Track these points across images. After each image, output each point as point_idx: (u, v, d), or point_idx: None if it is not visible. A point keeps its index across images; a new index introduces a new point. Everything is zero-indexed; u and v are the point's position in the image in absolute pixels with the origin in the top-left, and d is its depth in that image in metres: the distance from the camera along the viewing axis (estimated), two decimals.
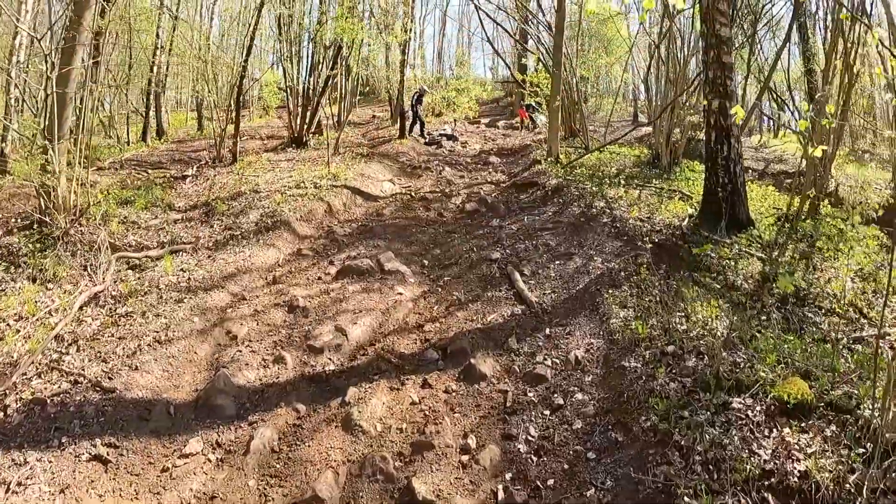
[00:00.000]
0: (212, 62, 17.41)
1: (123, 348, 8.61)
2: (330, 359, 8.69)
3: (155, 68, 20.27)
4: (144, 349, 8.62)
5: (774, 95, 21.06)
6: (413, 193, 15.14)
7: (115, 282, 10.60)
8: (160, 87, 21.18)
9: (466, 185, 15.90)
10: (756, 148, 20.44)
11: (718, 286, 9.87)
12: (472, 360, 8.32)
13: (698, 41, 16.24)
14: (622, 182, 14.76)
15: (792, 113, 22.54)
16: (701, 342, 7.72)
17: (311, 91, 19.09)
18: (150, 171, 16.80)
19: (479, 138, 21.10)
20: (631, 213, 12.93)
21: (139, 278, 10.77)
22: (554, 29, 17.15)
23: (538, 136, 20.74)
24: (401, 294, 10.44)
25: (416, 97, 20.39)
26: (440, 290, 10.75)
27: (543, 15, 19.35)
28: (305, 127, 18.06)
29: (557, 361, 8.46)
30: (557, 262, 11.37)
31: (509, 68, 21.96)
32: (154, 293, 10.14)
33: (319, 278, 11.13)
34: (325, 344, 8.86)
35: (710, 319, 8.47)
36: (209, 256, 11.55)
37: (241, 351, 8.83)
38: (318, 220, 13.38)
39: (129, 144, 19.80)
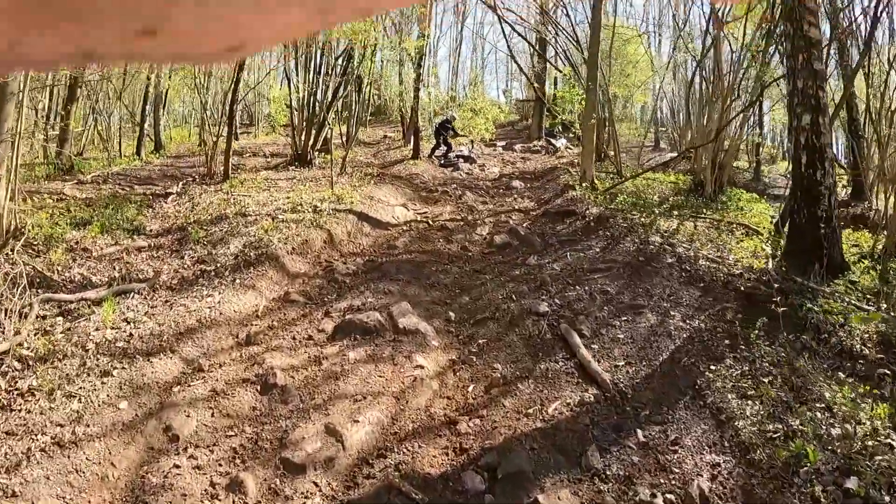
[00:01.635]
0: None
1: (5, 454, 4.99)
2: (315, 484, 5.02)
3: (152, 77, 16.40)
4: (36, 456, 5.07)
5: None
6: (430, 221, 11.30)
7: (32, 334, 6.81)
8: (159, 98, 17.34)
9: (491, 212, 12.07)
10: (786, 176, 16.78)
11: (837, 356, 6.78)
12: (540, 498, 4.77)
13: (741, 58, 12.54)
14: (670, 212, 10.97)
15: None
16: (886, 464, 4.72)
17: (317, 105, 15.27)
18: (135, 187, 12.94)
19: (497, 161, 17.37)
20: (699, 251, 9.18)
21: (67, 331, 6.99)
22: (588, 40, 13.37)
23: (560, 159, 16.95)
24: (421, 367, 6.63)
25: (442, 123, 16.47)
26: (474, 358, 6.96)
27: (573, 27, 15.76)
28: (311, 144, 14.23)
29: (673, 499, 4.73)
30: (624, 318, 7.61)
31: (533, 85, 18.32)
32: (77, 357, 6.39)
33: (310, 338, 7.29)
34: (310, 457, 5.24)
35: (875, 420, 5.23)
36: (167, 301, 7.69)
37: (179, 466, 5.17)
38: (315, 253, 9.49)
39: (121, 157, 15.89)
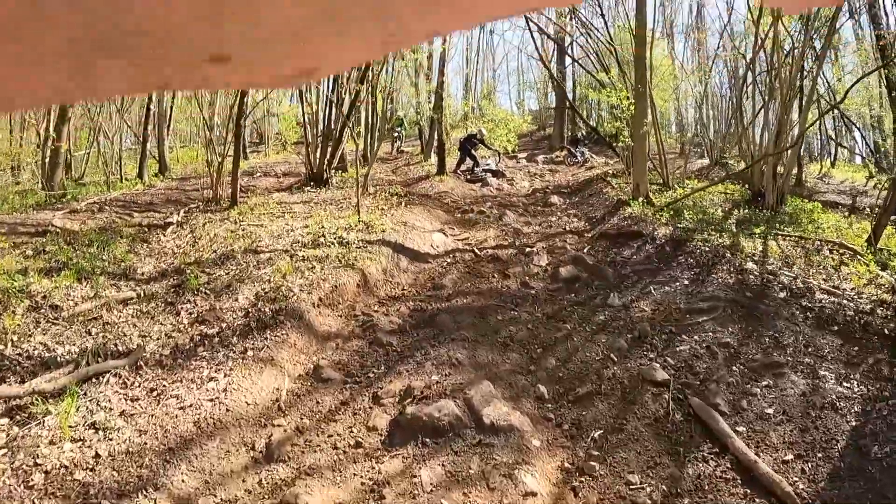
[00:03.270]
0: None
1: None
2: None
3: (154, 94, 13.57)
4: None
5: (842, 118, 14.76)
6: (476, 249, 8.49)
7: None
8: (162, 116, 14.45)
9: (541, 235, 9.29)
10: (820, 178, 14.13)
11: None
12: None
13: (801, 52, 9.90)
14: (742, 229, 8.30)
15: (863, 138, 16.27)
16: None
17: (332, 119, 12.51)
18: (133, 215, 10.15)
19: (523, 174, 14.62)
20: (808, 280, 6.61)
21: (8, 446, 4.31)
22: (635, 37, 10.64)
23: (590, 170, 14.22)
24: (533, 496, 3.93)
25: (468, 138, 13.68)
26: (596, 465, 4.46)
27: (606, 27, 13.06)
28: (327, 161, 11.42)
29: None
30: (765, 384, 5.13)
31: (557, 88, 15.56)
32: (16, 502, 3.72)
33: (358, 445, 4.67)
34: None
35: None
36: (153, 389, 5.02)
37: None
38: (349, 303, 6.73)
39: (122, 181, 13.02)
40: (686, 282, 6.89)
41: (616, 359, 5.50)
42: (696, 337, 5.73)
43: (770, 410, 4.71)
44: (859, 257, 7.27)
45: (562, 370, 5.46)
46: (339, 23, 0.36)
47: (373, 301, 6.85)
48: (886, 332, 5.59)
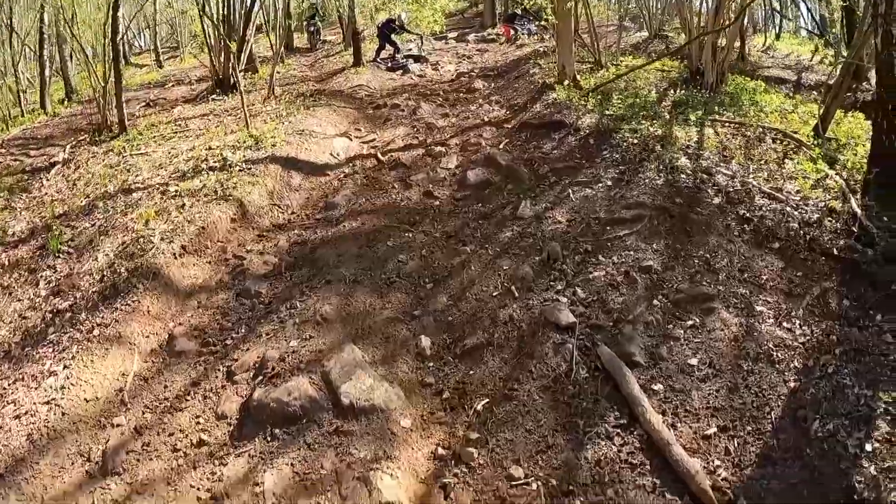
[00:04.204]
0: None
1: None
2: None
3: (47, 6, 11.15)
4: None
5: None
6: (380, 154, 6.93)
7: None
8: (61, 37, 12.07)
9: (456, 129, 7.66)
10: (764, 51, 12.25)
11: None
12: None
13: None
14: (677, 114, 6.70)
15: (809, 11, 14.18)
16: None
17: (235, 14, 10.44)
18: (30, 153, 8.42)
19: (451, 56, 12.53)
20: (748, 181, 5.23)
21: None
22: None
23: (520, 48, 12.23)
24: (387, 502, 2.76)
25: (386, 23, 11.44)
26: (475, 452, 3.25)
27: None
28: (232, 65, 9.47)
29: None
30: (689, 325, 3.85)
31: None
32: None
33: (201, 443, 3.51)
34: None
35: None
36: None
37: None
38: (220, 244, 5.32)
39: (23, 116, 10.97)
40: (609, 183, 5.46)
41: (517, 293, 4.22)
42: (614, 258, 4.42)
43: (694, 361, 3.52)
44: (805, 149, 5.85)
45: (452, 312, 4.19)
46: None
47: (251, 236, 5.44)
48: (836, 251, 4.27)
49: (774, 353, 3.50)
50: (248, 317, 4.41)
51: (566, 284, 4.23)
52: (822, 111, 6.18)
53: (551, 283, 4.28)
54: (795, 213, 4.69)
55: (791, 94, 8.87)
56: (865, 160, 4.96)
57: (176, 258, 4.93)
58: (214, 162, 6.42)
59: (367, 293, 4.38)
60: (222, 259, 5.10)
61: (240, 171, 6.20)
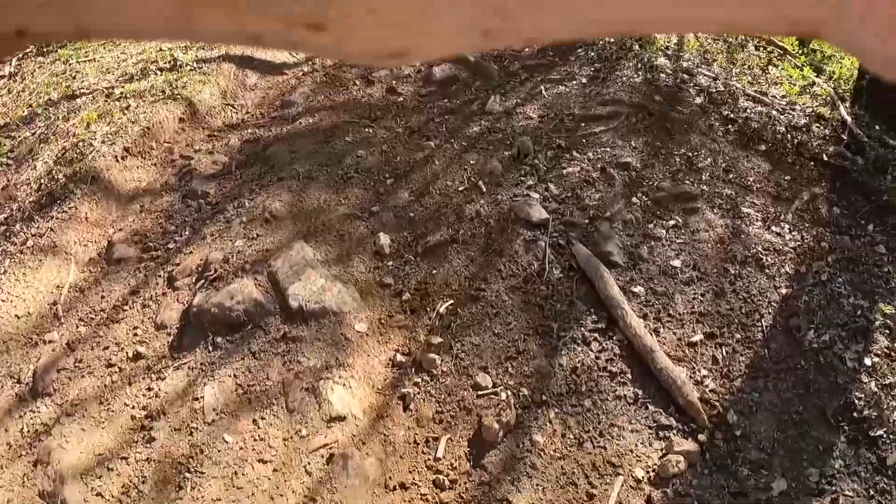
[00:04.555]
0: None
1: None
2: None
3: None
4: None
5: None
6: None
7: None
8: None
9: None
10: None
11: None
12: None
13: None
14: None
15: None
16: None
17: None
18: None
19: None
20: (731, 83, 4.55)
21: None
22: None
23: None
24: (340, 421, 2.42)
25: None
26: (437, 359, 2.71)
27: None
28: None
29: None
30: (671, 224, 3.29)
31: None
32: None
33: (137, 356, 2.97)
34: None
35: None
36: None
37: None
38: (166, 146, 4.62)
39: None
40: (584, 80, 4.75)
41: (485, 188, 3.63)
42: (589, 154, 3.83)
43: (677, 262, 3.00)
44: (790, 58, 5.14)
45: (414, 208, 3.60)
46: (435, 6, 0.30)
47: (200, 136, 4.72)
48: (825, 157, 3.73)
49: (764, 258, 3.01)
50: (193, 219, 3.79)
51: (538, 180, 3.65)
52: None
53: (522, 178, 3.68)
54: (782, 117, 4.10)
55: None
56: (854, 71, 4.35)
57: (118, 161, 4.24)
58: (164, 63, 5.56)
59: (321, 189, 3.76)
60: (168, 160, 4.40)
61: (191, 70, 5.36)
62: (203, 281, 3.18)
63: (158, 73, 5.37)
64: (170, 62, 5.55)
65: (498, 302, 2.88)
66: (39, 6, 0.31)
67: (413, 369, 2.72)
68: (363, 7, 0.30)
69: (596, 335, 2.68)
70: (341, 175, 3.90)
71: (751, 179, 3.58)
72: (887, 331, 2.58)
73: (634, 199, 3.41)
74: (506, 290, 2.93)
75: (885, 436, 2.26)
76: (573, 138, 4.01)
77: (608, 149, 3.83)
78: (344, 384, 2.63)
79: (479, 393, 2.54)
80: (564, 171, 3.65)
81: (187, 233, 3.65)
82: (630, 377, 2.50)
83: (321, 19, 0.30)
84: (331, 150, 4.19)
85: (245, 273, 3.13)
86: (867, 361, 2.44)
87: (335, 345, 2.80)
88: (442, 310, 2.90)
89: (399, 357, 2.77)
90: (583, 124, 4.14)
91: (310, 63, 5.93)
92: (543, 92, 4.71)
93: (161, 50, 5.99)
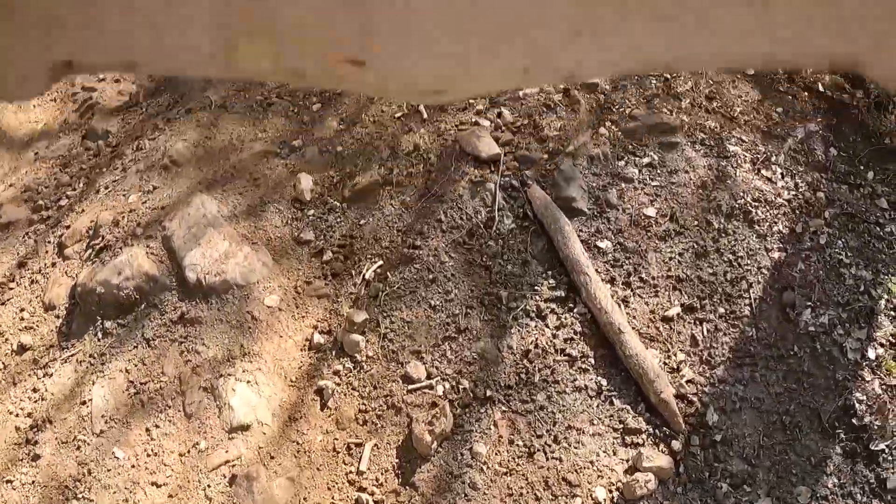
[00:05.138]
0: None
1: None
2: None
3: None
4: None
5: None
6: None
7: None
8: None
9: None
10: None
11: None
12: None
13: None
14: None
15: None
16: None
17: None
18: None
19: None
20: None
21: None
22: None
23: None
24: (241, 425, 1.69)
25: None
26: (363, 343, 2.12)
27: None
28: None
29: None
30: (646, 162, 2.49)
31: None
32: None
33: (22, 349, 2.42)
34: None
35: None
36: None
37: None
38: (69, 76, 3.56)
39: None
40: None
41: (427, 113, 2.73)
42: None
43: (651, 211, 2.21)
44: None
45: (343, 139, 2.73)
46: (479, 41, 0.28)
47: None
48: (821, 87, 2.81)
49: (753, 210, 2.21)
50: (90, 166, 2.94)
51: (489, 103, 2.74)
52: None
53: (471, 100, 2.77)
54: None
55: None
56: None
57: (10, 102, 3.26)
58: None
59: (236, 121, 2.87)
60: (70, 94, 3.43)
61: None
62: (90, 251, 2.41)
63: None
64: None
65: (436, 263, 2.13)
66: (89, 39, 0.30)
67: (334, 353, 2.03)
68: (404, 44, 0.28)
69: (553, 306, 1.97)
70: (261, 101, 2.97)
71: (737, 110, 2.69)
72: (894, 313, 1.87)
73: (603, 130, 2.55)
74: (446, 247, 2.17)
75: (886, 451, 1.65)
76: None
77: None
78: (249, 380, 1.95)
79: (411, 387, 1.87)
80: (521, 93, 2.74)
81: (81, 185, 2.82)
82: (593, 362, 1.83)
83: (362, 56, 0.28)
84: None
85: (136, 239, 2.35)
86: (871, 354, 1.77)
87: (240, 327, 2.09)
88: (369, 274, 2.16)
89: (317, 337, 2.07)
90: None
91: None
92: None
93: None
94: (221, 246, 2.25)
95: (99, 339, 2.20)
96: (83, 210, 2.64)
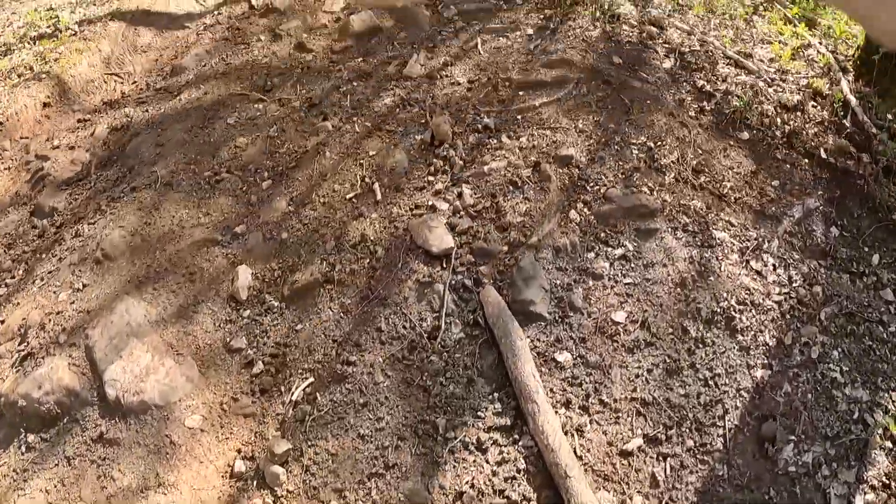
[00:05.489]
0: None
1: None
2: None
3: None
4: None
5: None
6: None
7: None
8: None
9: None
10: None
11: None
12: None
13: None
14: None
15: None
16: None
17: None
18: None
19: None
20: (708, 38, 3.27)
21: None
22: None
23: None
24: None
25: None
26: (287, 475, 1.92)
27: None
28: None
29: None
30: (619, 255, 2.32)
31: None
32: None
33: None
34: None
35: None
36: None
37: None
38: (24, 141, 3.54)
39: None
40: (530, 31, 3.47)
41: (381, 193, 2.59)
42: (522, 139, 2.72)
43: (621, 315, 2.05)
44: (779, 6, 3.74)
45: (290, 224, 2.58)
46: None
47: (68, 123, 3.60)
48: (823, 153, 2.64)
49: (737, 316, 2.02)
50: (33, 249, 2.83)
51: (451, 181, 2.59)
52: None
53: (430, 176, 2.62)
54: (770, 90, 2.92)
55: None
56: (853, 30, 3.13)
57: None
58: (46, 26, 4.30)
59: (180, 201, 2.73)
60: (23, 162, 3.34)
61: (71, 35, 4.14)
62: (16, 356, 2.28)
63: (32, 42, 4.16)
64: (51, 27, 4.30)
65: (370, 383, 1.95)
66: None
67: (255, 483, 1.86)
68: None
69: (497, 436, 1.78)
70: (209, 177, 2.84)
71: (728, 186, 2.49)
72: (890, 445, 1.65)
73: (573, 213, 2.36)
74: (383, 364, 1.99)
75: None
76: (506, 114, 2.89)
77: (548, 132, 2.72)
78: None
79: None
80: (487, 168, 2.57)
81: (21, 271, 2.70)
82: None
83: None
84: (205, 139, 3.10)
85: (60, 348, 2.21)
86: (858, 501, 1.55)
87: (157, 452, 1.93)
88: (297, 394, 1.99)
89: (240, 464, 1.90)
90: (521, 93, 2.99)
91: (216, 13, 4.62)
92: (479, 46, 3.48)
93: (51, 9, 4.69)
94: (143, 360, 2.10)
95: (22, 454, 2.06)
96: (18, 303, 2.52)
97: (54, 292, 2.44)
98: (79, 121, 3.62)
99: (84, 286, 2.41)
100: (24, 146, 3.42)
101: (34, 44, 4.15)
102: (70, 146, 3.36)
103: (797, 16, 3.70)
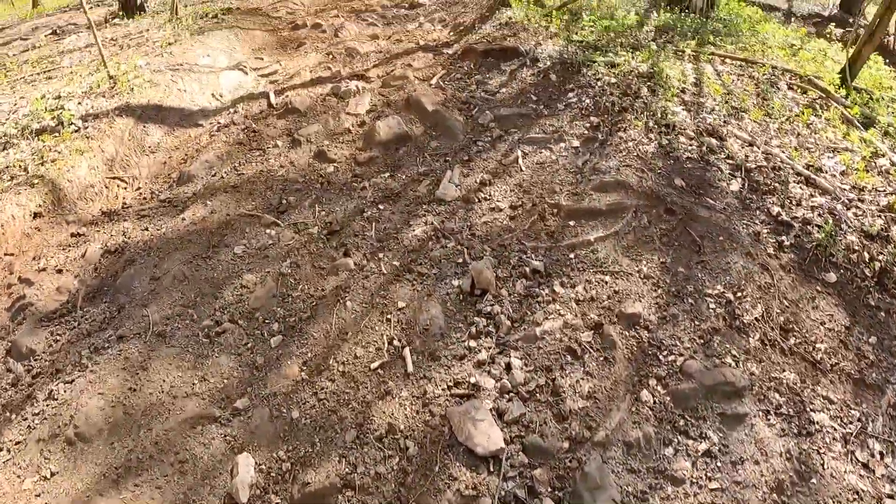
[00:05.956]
0: None
1: None
2: None
3: None
4: None
5: None
6: (273, 94, 4.57)
7: None
8: None
9: (383, 55, 5.17)
10: None
11: None
12: None
13: None
14: (663, 44, 4.21)
15: None
16: None
17: None
18: None
19: None
20: (771, 148, 3.07)
21: None
22: None
23: None
24: None
25: None
26: None
27: None
28: None
29: None
30: (703, 449, 1.91)
31: None
32: None
33: None
34: None
35: None
36: None
37: None
38: (8, 259, 3.20)
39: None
40: (576, 143, 3.25)
41: (412, 363, 2.21)
42: (578, 289, 2.39)
43: None
44: (836, 104, 3.62)
45: (302, 398, 2.18)
46: None
47: (60, 238, 3.29)
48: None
49: None
50: (3, 403, 2.40)
51: (496, 346, 2.22)
52: (852, 53, 3.97)
53: (472, 340, 2.26)
54: (849, 213, 2.65)
55: (783, 22, 6.50)
56: None
57: None
58: (50, 120, 4.09)
59: (172, 359, 2.34)
60: (5, 285, 2.99)
61: (74, 131, 3.91)
62: None
63: (33, 136, 3.92)
64: (55, 119, 4.08)
65: None
66: None
67: None
68: None
69: None
70: (208, 328, 2.47)
71: (822, 349, 2.13)
72: None
73: (645, 394, 1.99)
74: None
75: None
76: (557, 252, 2.57)
77: (608, 278, 2.39)
78: None
79: None
80: (538, 331, 2.21)
81: None
82: None
83: None
84: (207, 273, 2.75)
85: None
86: None
87: None
88: None
89: None
90: (571, 223, 2.69)
91: (234, 109, 4.45)
92: (520, 161, 3.23)
93: (59, 97, 4.51)
94: None
95: None
96: None
97: (18, 476, 2.00)
98: (72, 234, 3.30)
99: (52, 474, 1.97)
100: (7, 265, 3.08)
101: (35, 138, 3.90)
102: (58, 268, 3.01)
103: (857, 115, 3.51)
